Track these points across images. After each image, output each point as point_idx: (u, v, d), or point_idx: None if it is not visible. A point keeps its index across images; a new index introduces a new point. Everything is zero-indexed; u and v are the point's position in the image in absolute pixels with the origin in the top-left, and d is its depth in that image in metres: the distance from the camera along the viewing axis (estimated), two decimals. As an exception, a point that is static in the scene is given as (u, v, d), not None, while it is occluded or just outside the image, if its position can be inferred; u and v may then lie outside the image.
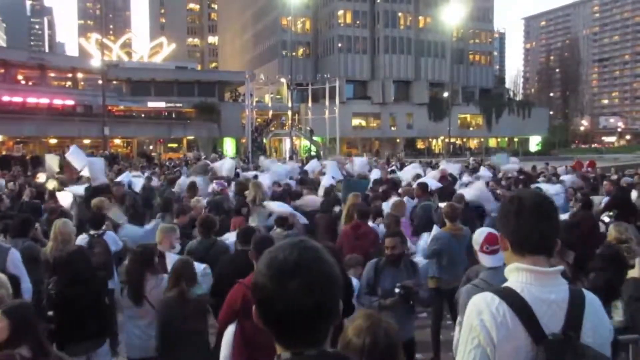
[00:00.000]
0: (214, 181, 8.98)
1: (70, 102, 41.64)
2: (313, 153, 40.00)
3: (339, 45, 54.66)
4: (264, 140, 44.00)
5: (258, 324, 1.08)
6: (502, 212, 1.66)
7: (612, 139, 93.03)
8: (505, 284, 1.56)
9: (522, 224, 1.57)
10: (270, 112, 46.55)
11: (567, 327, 1.45)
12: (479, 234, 3.46)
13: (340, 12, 54.97)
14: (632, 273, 2.39)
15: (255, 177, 10.06)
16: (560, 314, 1.47)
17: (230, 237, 5.36)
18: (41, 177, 12.38)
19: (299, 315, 1.03)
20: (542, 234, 1.55)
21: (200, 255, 4.74)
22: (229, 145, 47.44)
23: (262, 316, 1.07)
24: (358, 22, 55.48)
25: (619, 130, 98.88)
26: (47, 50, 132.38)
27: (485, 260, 3.32)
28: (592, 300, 1.54)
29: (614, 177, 13.05)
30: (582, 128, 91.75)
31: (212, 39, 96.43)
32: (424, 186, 7.67)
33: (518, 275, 1.53)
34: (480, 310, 1.48)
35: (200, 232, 5.08)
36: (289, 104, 39.36)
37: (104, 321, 3.93)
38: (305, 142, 44.77)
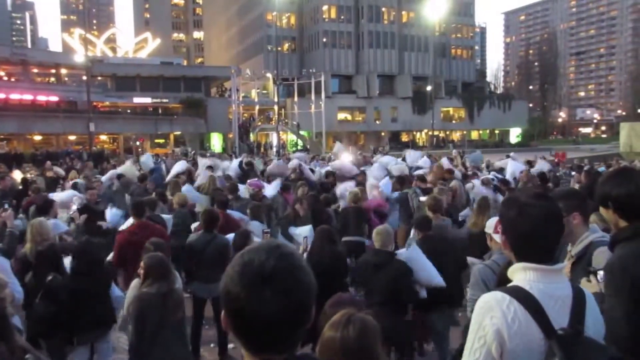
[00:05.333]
0: (248, 181, 8.48)
1: (54, 98, 41.16)
2: (300, 147, 40.62)
3: (324, 40, 55.07)
4: (251, 136, 44.41)
5: (226, 329, 1.04)
6: (505, 217, 1.63)
7: (589, 130, 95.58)
8: (511, 284, 1.58)
9: (525, 239, 1.57)
10: (257, 107, 46.86)
11: (572, 321, 1.50)
12: (491, 221, 3.60)
13: (325, 7, 55.32)
14: (591, 287, 2.18)
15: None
16: (565, 309, 1.52)
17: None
18: (15, 174, 12.28)
19: (271, 324, 0.98)
20: (546, 249, 1.57)
21: (199, 249, 4.92)
22: (216, 141, 47.62)
23: (232, 324, 1.02)
24: (342, 17, 55.91)
25: (595, 121, 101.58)
26: (29, 45, 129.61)
27: (499, 237, 3.61)
28: (590, 296, 1.61)
29: (587, 167, 13.87)
30: (560, 120, 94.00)
31: (198, 34, 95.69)
32: (401, 179, 8.17)
33: (525, 274, 1.56)
34: (490, 308, 1.51)
35: (204, 226, 5.11)
36: (275, 99, 39.81)
37: (109, 309, 3.99)
38: (292, 137, 45.31)
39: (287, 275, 1.00)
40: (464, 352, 1.56)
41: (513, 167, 11.07)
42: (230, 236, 5.22)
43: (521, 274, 1.57)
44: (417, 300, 4.28)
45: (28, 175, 12.84)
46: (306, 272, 1.04)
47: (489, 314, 1.50)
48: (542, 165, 12.32)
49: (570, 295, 1.55)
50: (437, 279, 4.29)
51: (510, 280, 1.62)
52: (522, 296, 1.50)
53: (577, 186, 8.91)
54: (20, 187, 9.87)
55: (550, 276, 1.55)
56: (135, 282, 3.81)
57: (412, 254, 4.32)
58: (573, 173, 11.89)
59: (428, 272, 4.29)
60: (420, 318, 4.53)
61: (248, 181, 8.53)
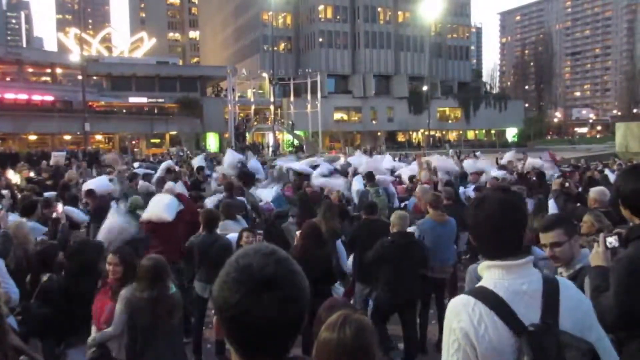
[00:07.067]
0: (261, 205, 7.89)
1: (49, 98, 41.04)
2: (296, 146, 40.60)
3: (320, 40, 55.11)
4: (247, 136, 44.37)
5: (218, 333, 1.25)
6: (468, 215, 1.66)
7: (584, 129, 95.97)
8: (479, 283, 1.58)
9: (480, 235, 1.60)
10: (253, 107, 46.80)
11: (544, 316, 1.47)
12: None
13: (321, 7, 55.37)
14: (595, 261, 2.18)
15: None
16: (535, 303, 1.49)
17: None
18: (10, 174, 12.22)
19: (268, 330, 0.98)
20: (499, 243, 1.55)
21: (202, 249, 4.94)
22: (212, 140, 47.56)
23: (228, 330, 1.01)
24: (338, 17, 56.00)
25: (591, 121, 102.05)
26: (24, 45, 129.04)
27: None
28: (566, 285, 1.57)
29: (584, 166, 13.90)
30: (555, 120, 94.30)
31: (194, 34, 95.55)
32: (370, 174, 8.34)
33: (490, 272, 1.55)
34: (457, 312, 1.51)
35: (204, 227, 5.09)
36: (271, 99, 39.71)
37: None
38: (288, 137, 45.30)
39: (286, 280, 0.99)
40: (442, 358, 1.55)
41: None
42: (232, 237, 5.23)
43: (486, 273, 1.56)
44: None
45: (32, 174, 12.84)
46: (302, 277, 1.04)
47: (456, 319, 1.50)
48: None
49: (539, 289, 1.51)
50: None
51: None
52: (486, 297, 1.49)
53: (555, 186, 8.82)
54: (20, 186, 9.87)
55: (514, 271, 1.52)
56: (124, 291, 3.58)
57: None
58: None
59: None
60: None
61: (261, 205, 8.07)
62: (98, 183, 8.40)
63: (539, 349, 1.39)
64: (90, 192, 7.90)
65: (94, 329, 3.62)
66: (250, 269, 0.98)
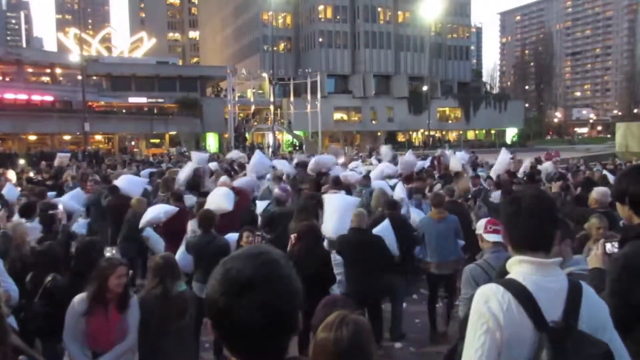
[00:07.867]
0: (278, 187, 7.63)
1: (49, 98, 41.01)
2: (297, 146, 40.61)
3: (320, 40, 55.11)
4: (247, 136, 44.39)
5: (211, 334, 1.08)
6: (503, 212, 1.76)
7: (585, 130, 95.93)
8: (507, 276, 1.64)
9: (518, 226, 1.66)
10: (253, 107, 46.82)
11: (566, 314, 1.52)
12: (482, 222, 3.98)
13: (321, 7, 55.38)
14: (593, 263, 2.25)
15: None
16: (559, 302, 1.54)
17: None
18: (10, 174, 12.20)
19: (252, 332, 0.99)
20: (537, 234, 1.63)
21: (198, 250, 4.95)
22: (212, 140, 47.55)
23: (216, 330, 1.04)
24: (338, 17, 55.99)
25: (591, 121, 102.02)
26: (24, 45, 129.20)
27: (489, 237, 3.78)
28: (588, 290, 1.63)
29: (583, 167, 13.89)
30: (555, 120, 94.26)
31: (193, 34, 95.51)
32: (367, 176, 8.83)
33: (520, 266, 1.61)
34: (487, 298, 1.55)
35: (201, 227, 5.10)
36: (271, 99, 39.72)
37: None
38: (288, 137, 45.32)
39: (265, 284, 0.99)
40: (466, 344, 1.58)
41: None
42: (230, 237, 5.23)
43: (516, 267, 1.63)
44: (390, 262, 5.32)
45: (31, 174, 12.87)
46: (288, 280, 1.03)
47: (486, 304, 1.54)
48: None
49: (565, 288, 1.57)
50: (394, 249, 5.36)
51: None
52: (514, 288, 1.54)
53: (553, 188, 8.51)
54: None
55: (544, 269, 1.59)
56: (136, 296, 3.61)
57: (381, 230, 5.36)
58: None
59: (390, 244, 5.38)
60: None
61: (278, 187, 7.67)
62: (130, 183, 8.07)
63: (559, 345, 1.44)
64: (113, 190, 7.64)
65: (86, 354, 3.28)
66: (231, 271, 1.01)
